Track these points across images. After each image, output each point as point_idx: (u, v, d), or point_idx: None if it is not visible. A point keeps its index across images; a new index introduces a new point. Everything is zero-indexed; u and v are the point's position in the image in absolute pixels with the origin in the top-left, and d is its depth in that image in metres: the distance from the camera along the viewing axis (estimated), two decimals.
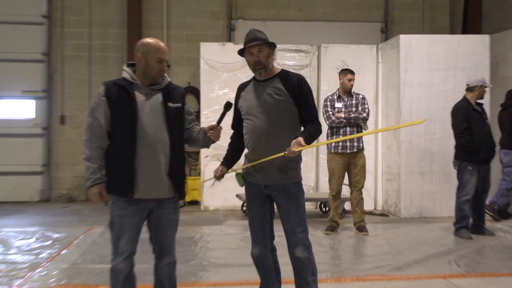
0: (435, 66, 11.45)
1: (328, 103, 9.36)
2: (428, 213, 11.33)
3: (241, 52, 5.10)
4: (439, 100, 11.33)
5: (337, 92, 9.48)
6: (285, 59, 12.39)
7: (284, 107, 4.94)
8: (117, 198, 4.57)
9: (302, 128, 5.02)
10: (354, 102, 9.31)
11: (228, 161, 5.28)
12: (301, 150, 4.71)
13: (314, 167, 12.47)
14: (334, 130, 9.21)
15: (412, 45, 11.46)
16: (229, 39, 14.39)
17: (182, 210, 10.94)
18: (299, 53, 12.54)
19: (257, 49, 4.95)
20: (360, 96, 9.42)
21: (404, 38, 11.52)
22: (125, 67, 4.72)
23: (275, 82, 5.01)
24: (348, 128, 9.12)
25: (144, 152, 4.48)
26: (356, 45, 12.57)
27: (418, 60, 11.44)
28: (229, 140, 5.38)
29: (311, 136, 4.82)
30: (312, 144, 4.86)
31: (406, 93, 11.31)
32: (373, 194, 12.29)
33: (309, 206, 12.20)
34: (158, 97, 4.63)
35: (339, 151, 9.24)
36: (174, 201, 4.73)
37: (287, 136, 4.85)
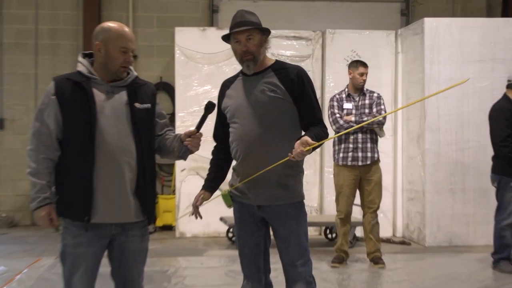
0: (468, 57, 11.48)
1: (335, 103, 9.37)
2: (460, 241, 11.34)
3: (226, 38, 5.08)
4: (473, 100, 11.36)
5: (346, 89, 9.50)
6: (281, 48, 12.41)
7: (280, 107, 4.93)
8: (71, 223, 4.54)
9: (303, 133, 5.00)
10: (367, 102, 9.34)
11: (211, 183, 5.26)
12: (309, 151, 4.64)
13: (318, 183, 12.47)
14: (342, 137, 9.25)
15: (440, 31, 11.50)
16: (211, 23, 14.39)
17: (152, 237, 10.90)
18: (299, 40, 12.56)
19: (246, 36, 4.93)
20: (375, 94, 9.45)
21: (429, 22, 11.55)
22: (80, 58, 4.71)
23: (269, 76, 5.00)
24: (360, 135, 9.16)
25: (105, 165, 4.47)
26: (370, 31, 12.60)
27: (447, 49, 11.47)
28: (211, 149, 5.36)
29: (317, 138, 4.76)
30: (321, 141, 4.79)
31: (433, 91, 11.31)
32: (391, 217, 12.29)
33: (311, 232, 12.20)
34: (122, 96, 4.62)
35: (349, 163, 9.25)
36: (142, 226, 4.72)
37: (284, 143, 4.84)
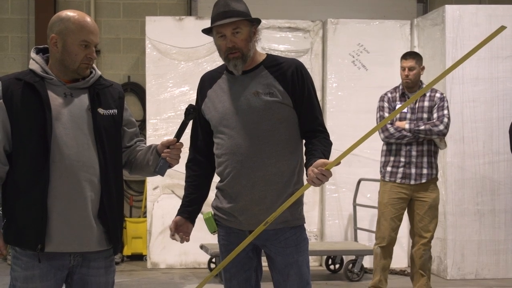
0: (498, 52, 11.50)
1: (386, 104, 9.02)
2: (489, 273, 11.35)
3: (208, 31, 5.01)
4: (505, 104, 11.39)
5: (401, 87, 9.09)
6: (273, 42, 12.40)
7: (279, 113, 4.88)
8: (21, 252, 4.53)
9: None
10: (426, 104, 8.97)
11: (193, 209, 5.12)
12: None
13: (318, 203, 12.42)
14: (393, 148, 8.92)
15: (464, 20, 11.52)
16: (189, 11, 14.38)
17: (119, 269, 10.88)
18: (295, 32, 12.56)
19: (231, 30, 4.84)
20: (437, 95, 9.04)
21: (452, 11, 11.57)
22: (33, 55, 4.69)
23: (262, 75, 4.94)
24: (414, 147, 8.80)
25: (62, 184, 4.45)
26: (380, 21, 12.62)
27: (472, 43, 11.48)
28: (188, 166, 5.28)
29: (325, 156, 4.71)
30: (342, 154, 4.50)
31: (456, 92, 11.36)
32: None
33: (310, 263, 12.15)
34: (83, 99, 4.60)
35: (398, 180, 8.89)
36: (106, 256, 4.71)
37: (284, 157, 4.86)
